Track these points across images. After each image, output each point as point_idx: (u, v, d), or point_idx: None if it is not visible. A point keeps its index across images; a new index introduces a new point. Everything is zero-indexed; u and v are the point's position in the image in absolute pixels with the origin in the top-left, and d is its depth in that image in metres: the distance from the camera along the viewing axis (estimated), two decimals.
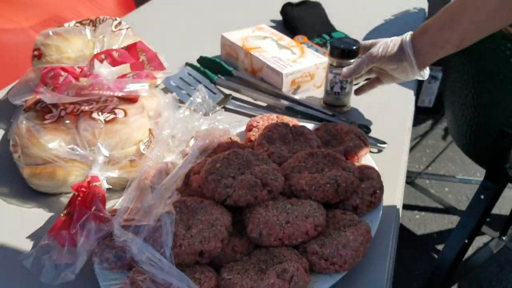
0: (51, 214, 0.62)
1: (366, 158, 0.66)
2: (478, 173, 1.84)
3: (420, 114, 2.11)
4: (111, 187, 0.60)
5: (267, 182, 0.54)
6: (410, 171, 1.82)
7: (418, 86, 1.02)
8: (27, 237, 0.58)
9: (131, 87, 0.61)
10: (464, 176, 1.82)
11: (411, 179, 1.73)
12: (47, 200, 0.63)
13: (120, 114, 0.63)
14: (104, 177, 0.59)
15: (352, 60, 0.77)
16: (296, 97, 0.84)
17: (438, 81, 1.85)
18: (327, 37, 1.03)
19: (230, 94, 0.86)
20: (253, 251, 0.51)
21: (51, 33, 0.73)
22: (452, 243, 1.13)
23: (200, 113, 0.72)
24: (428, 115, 2.11)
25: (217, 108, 0.81)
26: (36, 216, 0.61)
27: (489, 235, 1.49)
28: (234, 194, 0.53)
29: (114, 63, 0.62)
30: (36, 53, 0.73)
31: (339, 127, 0.68)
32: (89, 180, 0.56)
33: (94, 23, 0.75)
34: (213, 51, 0.98)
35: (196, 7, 1.29)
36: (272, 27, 1.03)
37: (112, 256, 0.49)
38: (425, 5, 1.29)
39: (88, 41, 0.73)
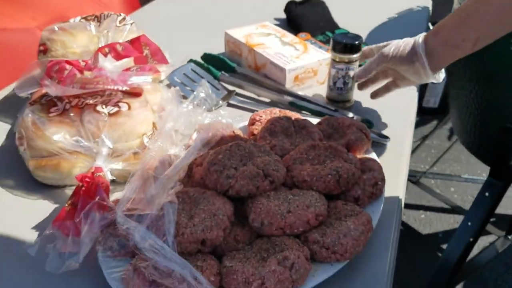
0: (56, 205, 0.62)
1: (369, 152, 0.66)
2: (484, 173, 1.83)
3: (425, 115, 2.11)
4: (114, 178, 0.60)
5: (269, 172, 0.54)
6: (415, 171, 1.82)
7: (423, 86, 1.02)
8: (32, 228, 0.59)
9: (135, 79, 0.62)
10: (470, 175, 1.81)
11: (416, 179, 1.73)
12: (52, 192, 0.64)
13: (124, 107, 0.64)
14: (108, 168, 0.59)
15: (354, 55, 0.77)
16: (299, 92, 0.85)
17: (443, 81, 1.85)
18: (330, 34, 1.03)
19: (234, 90, 0.86)
20: (255, 241, 0.52)
21: (56, 29, 0.74)
22: (456, 241, 1.13)
23: (204, 107, 0.72)
24: (434, 115, 2.10)
25: (220, 103, 0.82)
26: (41, 208, 0.62)
27: (495, 235, 1.48)
28: (236, 185, 0.53)
29: (118, 56, 0.63)
30: (42, 48, 0.74)
31: (341, 120, 0.68)
32: (93, 170, 0.56)
33: (98, 19, 0.76)
34: (217, 48, 0.99)
35: (201, 6, 1.30)
36: (276, 25, 1.03)
37: (115, 245, 0.50)
38: (428, 4, 1.30)
39: (93, 36, 0.74)
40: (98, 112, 0.61)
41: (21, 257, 0.54)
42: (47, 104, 0.63)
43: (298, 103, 0.81)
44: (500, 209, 1.30)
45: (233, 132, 0.66)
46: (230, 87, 0.88)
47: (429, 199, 1.73)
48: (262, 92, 0.85)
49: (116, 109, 0.62)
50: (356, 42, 0.76)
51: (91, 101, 0.63)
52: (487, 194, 1.07)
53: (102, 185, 0.54)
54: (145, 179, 0.53)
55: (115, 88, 0.64)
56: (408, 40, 0.70)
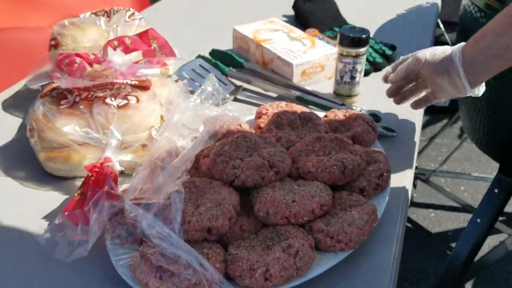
0: (66, 196, 0.64)
1: (375, 145, 0.66)
2: (494, 172, 1.80)
3: (436, 114, 2.09)
4: (123, 169, 0.61)
5: (275, 163, 0.55)
6: (425, 169, 1.81)
7: None
8: (43, 218, 0.60)
9: (143, 72, 0.63)
10: (480, 174, 1.80)
11: (426, 177, 1.72)
12: (62, 183, 0.66)
13: (132, 100, 0.65)
14: (116, 159, 0.60)
15: (362, 49, 0.78)
16: (307, 87, 0.85)
17: None
18: (338, 30, 1.03)
19: (241, 86, 0.87)
20: (260, 230, 0.52)
21: (67, 23, 0.75)
22: (465, 239, 1.12)
23: (211, 101, 0.73)
24: (444, 114, 2.09)
25: (227, 96, 0.82)
26: (51, 199, 0.63)
27: (505, 233, 1.47)
28: (242, 175, 0.54)
29: (127, 50, 0.64)
30: (52, 42, 0.76)
31: (348, 113, 0.68)
32: (102, 161, 0.57)
33: (108, 14, 0.77)
34: (225, 45, 1.00)
35: (210, 3, 1.31)
36: (284, 21, 1.04)
37: (123, 232, 0.51)
38: (438, 0, 1.29)
39: (103, 31, 0.75)
40: (107, 104, 0.62)
41: (32, 246, 0.55)
42: (58, 96, 0.64)
43: (305, 97, 0.82)
44: (510, 207, 1.28)
45: (240, 125, 0.67)
46: (238, 83, 0.88)
47: (439, 197, 1.72)
48: (270, 87, 0.86)
49: (125, 101, 0.63)
50: (363, 36, 0.76)
51: (100, 94, 0.64)
52: (496, 190, 1.07)
53: (111, 175, 0.55)
54: (152, 169, 0.54)
55: (124, 82, 0.66)
56: (447, 47, 0.65)
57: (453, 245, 1.56)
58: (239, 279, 0.47)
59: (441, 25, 1.84)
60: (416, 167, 1.76)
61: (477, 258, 1.18)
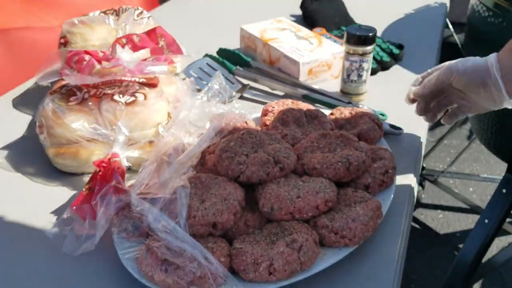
0: (74, 192, 0.65)
1: (381, 143, 0.66)
2: (503, 173, 1.79)
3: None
4: (130, 165, 0.62)
5: (279, 159, 0.55)
6: (434, 170, 1.80)
7: None
8: (51, 213, 0.61)
9: (151, 69, 0.64)
10: (489, 175, 1.78)
11: (434, 178, 1.71)
12: (71, 179, 0.66)
13: (140, 97, 0.65)
14: (124, 155, 0.61)
15: (368, 47, 0.78)
16: (314, 86, 0.85)
17: None
18: (345, 29, 1.04)
19: (248, 84, 0.87)
20: (264, 225, 0.53)
21: (76, 22, 0.77)
22: (473, 239, 1.11)
23: (217, 99, 0.74)
24: None
25: (234, 94, 0.83)
26: (60, 194, 0.64)
27: None
28: (247, 171, 0.54)
29: (135, 48, 0.65)
30: (62, 40, 0.77)
31: (354, 111, 0.69)
32: (110, 156, 0.58)
33: (117, 13, 0.78)
34: (232, 44, 1.01)
35: (218, 3, 1.32)
36: (291, 21, 1.04)
37: (130, 226, 0.52)
38: (446, 0, 1.29)
39: (111, 30, 0.76)
40: (115, 101, 0.63)
41: (40, 240, 0.56)
42: (67, 93, 0.65)
43: (312, 96, 0.82)
44: None
45: (246, 122, 0.67)
46: (245, 81, 0.89)
47: (448, 198, 1.71)
48: (276, 85, 0.86)
49: (132, 98, 0.64)
50: (370, 34, 0.76)
51: (109, 91, 0.65)
52: (504, 191, 1.06)
53: (118, 170, 0.55)
54: (159, 164, 0.55)
55: (132, 79, 0.66)
56: (478, 58, 0.60)
57: (462, 246, 1.55)
58: (243, 273, 0.47)
59: (450, 26, 1.83)
60: (425, 168, 1.75)
61: (485, 259, 1.17)
